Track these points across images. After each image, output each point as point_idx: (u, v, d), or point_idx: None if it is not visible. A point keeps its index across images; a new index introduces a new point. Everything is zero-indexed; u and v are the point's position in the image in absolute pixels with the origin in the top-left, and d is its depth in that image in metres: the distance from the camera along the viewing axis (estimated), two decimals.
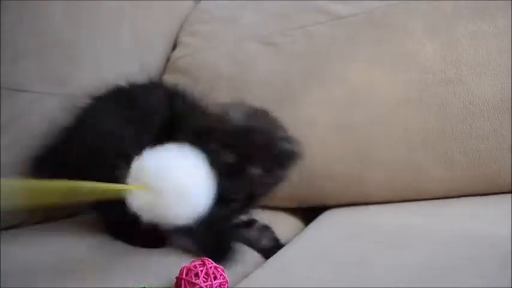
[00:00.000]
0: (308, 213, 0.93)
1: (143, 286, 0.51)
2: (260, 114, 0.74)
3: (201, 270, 0.54)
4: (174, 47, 1.14)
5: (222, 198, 0.62)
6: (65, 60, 0.92)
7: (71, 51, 0.94)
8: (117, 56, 1.02)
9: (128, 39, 1.05)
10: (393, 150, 0.80)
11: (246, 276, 0.63)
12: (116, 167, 0.56)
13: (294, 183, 0.88)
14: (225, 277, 0.56)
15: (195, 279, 0.53)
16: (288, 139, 0.71)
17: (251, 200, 0.71)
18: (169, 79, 1.07)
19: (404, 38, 0.82)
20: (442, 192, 0.79)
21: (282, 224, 0.88)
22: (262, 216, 0.88)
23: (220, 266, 0.57)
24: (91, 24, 0.98)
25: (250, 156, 0.67)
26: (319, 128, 0.85)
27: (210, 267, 0.55)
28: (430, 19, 0.84)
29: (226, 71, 0.97)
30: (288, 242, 0.75)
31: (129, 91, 0.78)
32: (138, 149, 0.57)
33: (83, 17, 0.97)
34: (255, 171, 0.68)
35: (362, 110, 0.82)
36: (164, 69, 1.12)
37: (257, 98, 0.92)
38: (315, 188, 0.87)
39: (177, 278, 0.55)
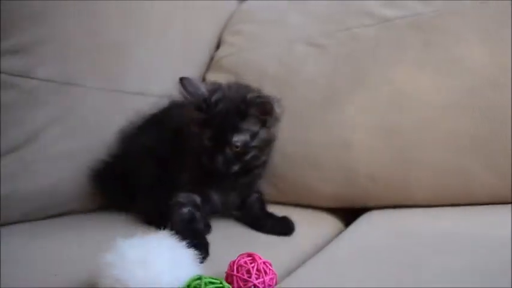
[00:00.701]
0: (346, 214, 0.94)
1: (198, 275, 0.52)
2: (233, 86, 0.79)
3: (253, 267, 0.56)
4: (218, 46, 1.17)
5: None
6: (117, 58, 0.96)
7: (123, 49, 0.98)
8: (165, 55, 1.05)
9: (176, 39, 1.08)
10: (440, 155, 0.80)
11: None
12: None
13: (337, 183, 0.90)
14: (273, 271, 0.57)
15: (248, 277, 0.55)
16: (260, 96, 0.75)
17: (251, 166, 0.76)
18: (213, 77, 1.09)
19: (453, 43, 0.82)
20: (488, 198, 0.79)
21: (322, 223, 0.89)
22: (303, 216, 0.90)
23: (268, 260, 0.58)
24: (143, 25, 1.01)
25: (227, 126, 0.72)
26: (364, 130, 0.86)
27: (260, 263, 0.57)
28: (479, 24, 0.83)
29: (272, 71, 0.99)
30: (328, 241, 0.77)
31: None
32: None
33: (136, 17, 1.00)
34: (238, 138, 0.72)
35: (409, 113, 0.82)
36: (208, 67, 1.14)
37: (302, 99, 0.94)
38: (357, 189, 0.88)
39: (227, 273, 0.57)
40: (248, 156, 0.74)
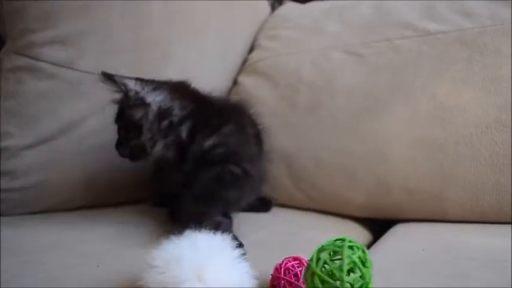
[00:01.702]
0: (373, 225, 0.93)
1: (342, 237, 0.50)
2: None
3: (300, 271, 0.56)
4: (252, 49, 1.17)
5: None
6: (156, 56, 0.97)
7: (163, 47, 0.98)
8: (202, 55, 1.06)
9: (213, 39, 1.08)
10: (478, 172, 0.80)
11: None
12: None
13: (370, 194, 0.89)
14: None
15: (296, 280, 0.55)
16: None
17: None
18: (247, 80, 1.10)
19: (498, 61, 0.82)
20: None
21: (352, 232, 0.89)
22: (333, 223, 0.90)
23: None
24: (183, 24, 1.02)
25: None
26: (400, 142, 0.86)
27: None
28: None
29: (308, 77, 0.99)
30: None
31: None
32: None
33: (177, 16, 1.01)
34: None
35: (449, 128, 0.82)
36: (241, 70, 1.14)
37: (339, 107, 0.94)
38: (391, 201, 0.87)
39: (273, 275, 0.57)
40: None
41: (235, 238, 0.67)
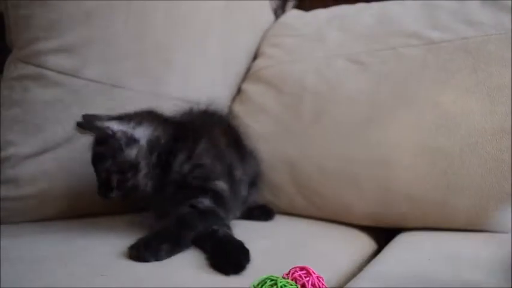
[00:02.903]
0: (377, 233, 0.93)
1: (267, 275, 0.51)
2: None
3: (307, 281, 0.56)
4: (255, 57, 1.17)
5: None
6: (159, 63, 0.97)
7: (166, 54, 0.99)
8: (204, 63, 1.06)
9: (215, 47, 1.09)
10: (483, 179, 0.80)
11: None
12: None
13: (375, 202, 0.89)
14: (326, 286, 0.57)
15: None
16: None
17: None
18: (250, 88, 1.10)
19: (502, 69, 0.82)
20: None
21: (357, 240, 0.89)
22: (338, 232, 0.90)
23: (321, 275, 0.58)
24: (186, 31, 1.03)
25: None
26: (405, 150, 0.86)
27: (315, 277, 0.56)
28: None
29: (312, 85, 0.99)
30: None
31: None
32: None
33: (180, 24, 1.01)
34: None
35: (454, 136, 0.82)
36: (245, 78, 1.15)
37: (343, 114, 0.94)
38: (395, 209, 0.87)
39: None
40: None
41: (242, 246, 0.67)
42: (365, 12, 1.06)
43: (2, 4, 0.91)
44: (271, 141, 0.99)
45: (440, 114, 0.84)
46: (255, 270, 0.64)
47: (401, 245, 0.78)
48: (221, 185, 0.79)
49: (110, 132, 0.73)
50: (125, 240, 0.75)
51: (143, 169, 0.74)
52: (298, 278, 0.56)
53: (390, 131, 0.88)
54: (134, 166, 0.73)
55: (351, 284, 0.64)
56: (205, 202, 0.75)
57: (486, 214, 0.81)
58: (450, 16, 0.92)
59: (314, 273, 0.57)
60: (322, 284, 0.57)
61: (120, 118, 0.75)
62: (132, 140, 0.74)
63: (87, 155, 0.91)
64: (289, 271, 0.58)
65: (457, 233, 0.82)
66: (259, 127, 1.02)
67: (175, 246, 0.68)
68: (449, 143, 0.82)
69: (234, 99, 1.12)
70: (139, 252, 0.65)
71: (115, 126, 0.73)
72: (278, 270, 0.58)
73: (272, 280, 0.51)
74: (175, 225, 0.70)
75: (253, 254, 0.70)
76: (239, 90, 1.13)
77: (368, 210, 0.89)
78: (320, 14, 1.15)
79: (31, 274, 0.60)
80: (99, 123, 0.73)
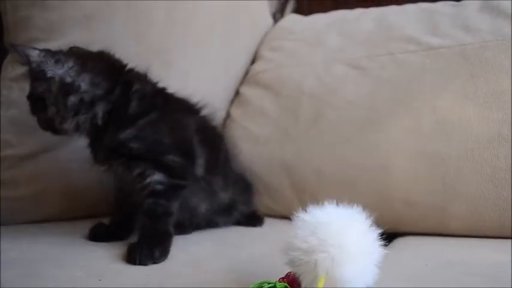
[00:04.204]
0: None
1: (262, 281, 0.51)
2: None
3: None
4: (254, 60, 1.18)
5: None
6: (159, 65, 0.97)
7: (166, 56, 0.99)
8: (204, 65, 1.07)
9: (216, 49, 1.09)
10: (480, 186, 0.80)
11: None
12: None
13: (371, 206, 0.89)
14: None
15: None
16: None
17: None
18: (249, 91, 1.10)
19: (500, 76, 0.83)
20: None
21: None
22: None
23: None
24: (186, 34, 1.03)
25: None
26: (402, 155, 0.86)
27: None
28: None
29: (310, 89, 0.99)
30: None
31: None
32: None
33: (180, 26, 1.02)
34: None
35: (451, 141, 0.82)
36: (243, 81, 1.15)
37: (341, 119, 0.94)
38: (392, 213, 0.87)
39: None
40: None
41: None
42: (364, 17, 1.06)
43: (1, 5, 0.91)
44: (269, 144, 1.00)
45: (438, 119, 0.84)
46: (251, 275, 0.64)
47: (398, 251, 0.78)
48: (173, 158, 0.75)
49: (26, 60, 0.71)
50: (124, 241, 0.75)
51: (51, 107, 0.72)
52: (295, 281, 0.56)
53: (388, 136, 0.88)
54: (41, 100, 0.72)
55: None
56: (158, 177, 0.73)
57: (483, 220, 0.81)
58: (449, 22, 0.93)
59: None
60: None
61: (48, 51, 0.73)
62: (42, 74, 0.71)
63: (85, 156, 0.92)
64: (286, 275, 0.57)
65: (455, 238, 0.82)
66: (257, 130, 1.02)
67: (165, 244, 0.70)
68: (447, 148, 0.82)
69: (231, 102, 1.12)
70: (135, 257, 0.66)
71: (34, 56, 0.71)
72: (274, 275, 0.58)
73: (269, 284, 0.51)
74: (151, 224, 0.71)
75: (250, 258, 0.70)
76: (237, 93, 1.13)
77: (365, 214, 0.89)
78: (319, 19, 1.16)
79: (30, 277, 0.60)
80: (21, 49, 0.72)
